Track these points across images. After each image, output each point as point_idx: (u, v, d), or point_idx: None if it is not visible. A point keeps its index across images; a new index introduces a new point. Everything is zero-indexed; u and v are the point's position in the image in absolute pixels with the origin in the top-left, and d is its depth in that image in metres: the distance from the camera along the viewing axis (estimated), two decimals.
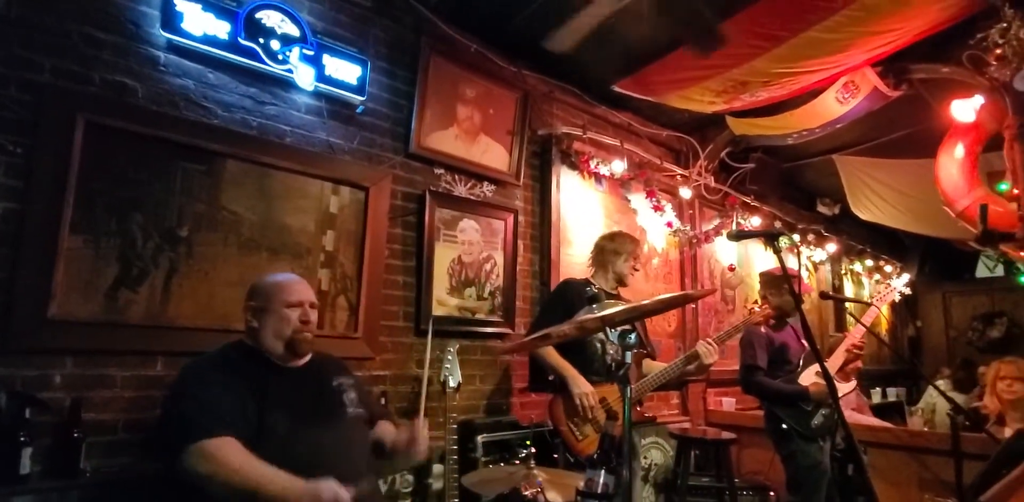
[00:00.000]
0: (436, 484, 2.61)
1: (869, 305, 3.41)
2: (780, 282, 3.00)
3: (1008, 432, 2.80)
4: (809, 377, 2.88)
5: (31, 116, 1.92)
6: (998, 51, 2.78)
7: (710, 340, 2.47)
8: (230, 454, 1.49)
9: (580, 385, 2.42)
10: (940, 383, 5.51)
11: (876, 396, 5.97)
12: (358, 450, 1.78)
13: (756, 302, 2.94)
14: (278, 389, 1.68)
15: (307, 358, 1.84)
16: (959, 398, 4.67)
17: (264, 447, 1.55)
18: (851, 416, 3.61)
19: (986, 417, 2.97)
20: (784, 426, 2.88)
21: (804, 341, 2.95)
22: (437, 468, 2.63)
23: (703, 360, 2.42)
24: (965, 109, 3.33)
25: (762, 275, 3.30)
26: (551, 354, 2.53)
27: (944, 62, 3.32)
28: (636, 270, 2.78)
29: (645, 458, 3.71)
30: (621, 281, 2.76)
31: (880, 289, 5.32)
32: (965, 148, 3.55)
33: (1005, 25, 2.69)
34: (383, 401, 2.61)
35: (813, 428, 2.84)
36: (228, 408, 1.58)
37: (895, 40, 3.08)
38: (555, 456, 2.52)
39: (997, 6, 2.69)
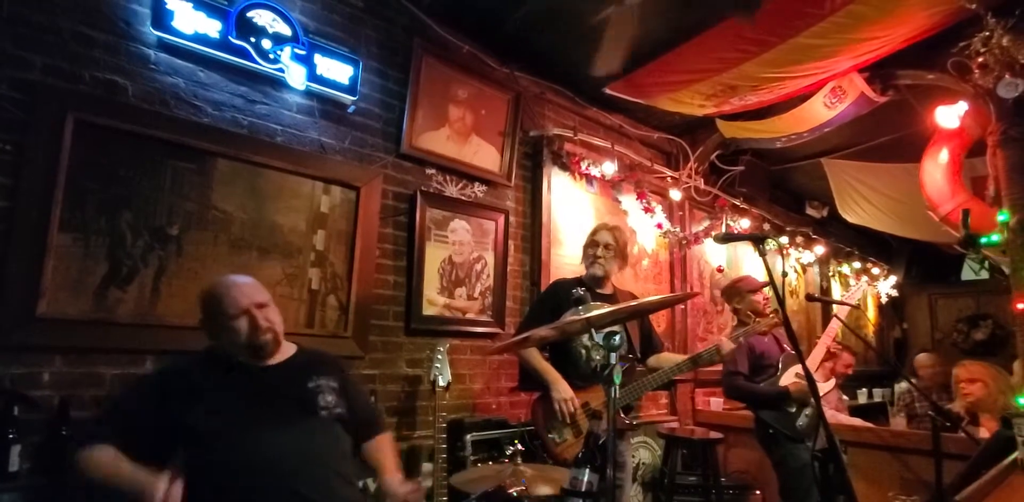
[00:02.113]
0: (425, 483, 2.62)
1: (857, 307, 3.47)
2: (739, 290, 3.20)
3: (983, 432, 2.86)
4: (789, 379, 2.92)
5: (22, 114, 1.93)
6: (980, 59, 2.82)
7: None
8: (100, 459, 1.49)
9: (561, 390, 2.37)
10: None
11: (862, 397, 6.04)
12: (326, 453, 1.67)
13: (775, 310, 2.98)
14: (236, 391, 1.63)
15: (288, 355, 1.76)
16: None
17: (215, 450, 1.53)
18: (833, 416, 3.66)
19: (959, 417, 3.05)
20: (771, 431, 2.92)
21: (782, 346, 3.02)
22: (426, 467, 2.64)
23: (721, 353, 2.43)
24: (949, 115, 3.38)
25: (721, 293, 3.39)
26: (535, 357, 2.49)
27: (929, 69, 3.36)
28: (597, 257, 2.57)
29: (633, 457, 3.75)
30: (594, 276, 2.58)
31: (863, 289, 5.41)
32: (949, 153, 3.61)
33: (987, 34, 2.73)
34: (372, 399, 2.62)
35: (799, 429, 2.88)
36: (131, 418, 1.56)
37: (881, 47, 3.12)
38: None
39: (980, 14, 2.73)
